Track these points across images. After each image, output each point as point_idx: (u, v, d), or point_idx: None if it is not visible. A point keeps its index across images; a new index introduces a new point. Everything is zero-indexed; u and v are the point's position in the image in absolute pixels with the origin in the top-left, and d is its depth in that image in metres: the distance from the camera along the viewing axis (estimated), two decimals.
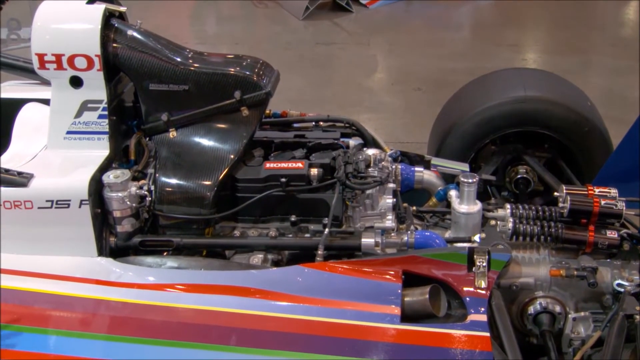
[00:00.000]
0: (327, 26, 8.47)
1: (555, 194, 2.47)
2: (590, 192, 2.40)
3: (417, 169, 2.71)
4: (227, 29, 8.70)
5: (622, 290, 2.31)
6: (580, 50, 7.52)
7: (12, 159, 2.40)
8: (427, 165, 2.88)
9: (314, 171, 2.40)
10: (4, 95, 2.90)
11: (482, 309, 2.14)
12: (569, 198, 2.37)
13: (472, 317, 2.13)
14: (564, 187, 2.43)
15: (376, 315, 2.13)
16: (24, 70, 2.95)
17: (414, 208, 2.61)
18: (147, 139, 2.55)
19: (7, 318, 2.13)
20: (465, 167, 2.99)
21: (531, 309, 2.41)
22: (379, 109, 6.14)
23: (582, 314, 2.37)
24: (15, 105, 2.66)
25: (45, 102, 2.48)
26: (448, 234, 2.50)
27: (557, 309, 2.39)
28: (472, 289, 2.18)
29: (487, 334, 2.07)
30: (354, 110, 5.94)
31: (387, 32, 8.26)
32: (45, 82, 2.47)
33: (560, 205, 2.41)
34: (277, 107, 2.94)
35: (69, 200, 2.21)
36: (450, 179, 2.77)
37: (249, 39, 8.15)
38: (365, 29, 8.41)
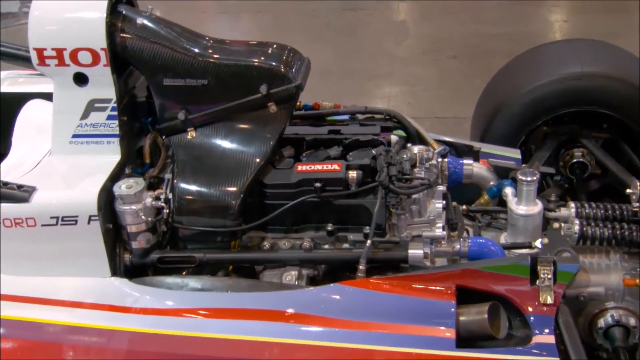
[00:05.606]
0: None
1: (628, 190, 2.28)
2: None
3: (465, 161, 2.50)
4: None
5: None
6: (627, 9, 7.11)
7: (13, 168, 2.21)
8: (476, 156, 2.67)
9: (353, 174, 2.17)
10: (4, 89, 2.71)
11: (549, 329, 1.96)
12: None
13: (537, 338, 1.95)
14: (638, 183, 2.23)
15: (427, 339, 1.95)
16: (26, 61, 2.73)
17: (464, 207, 2.40)
18: (164, 137, 2.33)
19: (12, 355, 1.97)
20: (516, 153, 2.81)
21: (601, 322, 2.23)
22: (411, 80, 5.91)
23: None
24: (16, 100, 2.47)
25: (50, 97, 2.28)
26: (504, 238, 2.30)
27: (632, 321, 2.21)
28: (536, 306, 2.00)
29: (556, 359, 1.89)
30: (384, 82, 5.73)
31: None
32: None
33: (635, 204, 2.21)
34: (307, 97, 2.65)
35: (76, 216, 2.02)
36: (503, 173, 2.55)
37: (272, 7, 7.97)
38: None
